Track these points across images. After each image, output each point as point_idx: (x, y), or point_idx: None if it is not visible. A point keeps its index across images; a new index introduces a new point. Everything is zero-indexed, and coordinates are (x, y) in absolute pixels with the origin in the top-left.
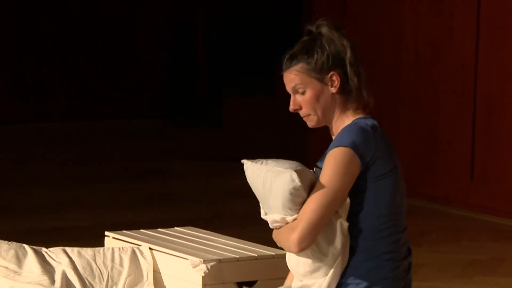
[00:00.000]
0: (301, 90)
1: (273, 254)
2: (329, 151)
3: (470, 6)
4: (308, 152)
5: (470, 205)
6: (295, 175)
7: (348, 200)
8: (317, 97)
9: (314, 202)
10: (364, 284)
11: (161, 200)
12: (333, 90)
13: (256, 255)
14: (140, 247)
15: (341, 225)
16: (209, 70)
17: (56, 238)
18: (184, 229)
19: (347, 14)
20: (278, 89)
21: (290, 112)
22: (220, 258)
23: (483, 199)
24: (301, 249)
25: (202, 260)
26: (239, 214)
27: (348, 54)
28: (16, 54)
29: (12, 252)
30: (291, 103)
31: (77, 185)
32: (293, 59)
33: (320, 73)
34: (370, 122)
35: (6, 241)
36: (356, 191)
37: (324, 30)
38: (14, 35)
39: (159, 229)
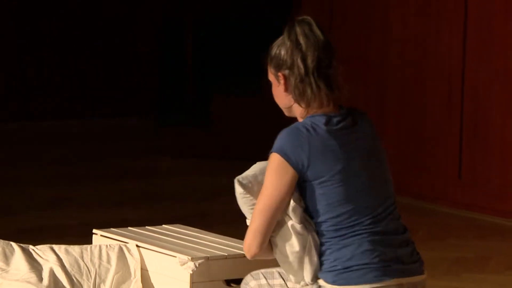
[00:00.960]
0: (271, 82)
1: None
2: None
3: (458, 5)
4: None
5: (457, 203)
6: (236, 183)
7: (293, 203)
8: (274, 91)
9: (255, 209)
10: (336, 268)
11: (149, 198)
12: (282, 89)
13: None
14: (127, 245)
15: (293, 227)
16: (197, 69)
17: (44, 236)
18: (172, 226)
19: (335, 13)
20: (265, 88)
21: (278, 112)
22: (208, 255)
23: (471, 197)
24: (252, 256)
25: (190, 257)
26: (227, 212)
27: (306, 54)
28: (11, 53)
29: None
30: None
31: (65, 184)
32: (269, 50)
33: (275, 69)
34: (313, 121)
35: None
36: (306, 194)
37: (295, 28)
38: (12, 34)
39: (147, 227)
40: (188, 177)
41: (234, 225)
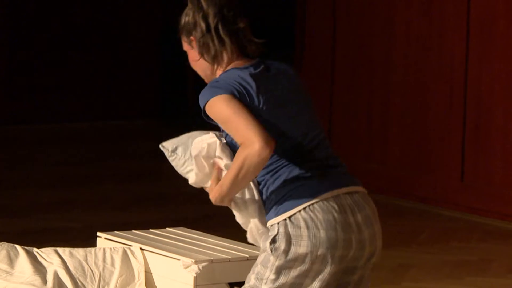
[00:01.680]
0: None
1: None
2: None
3: (460, 7)
4: None
5: (460, 206)
6: (161, 148)
7: (219, 143)
8: (191, 60)
9: (238, 128)
10: (275, 201)
11: (152, 201)
12: (196, 53)
13: (247, 255)
14: (131, 248)
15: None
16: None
17: (48, 238)
18: (176, 229)
19: (338, 14)
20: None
21: None
22: (212, 258)
23: (473, 200)
24: (270, 149)
25: (193, 260)
26: (230, 215)
27: (200, 17)
28: (15, 56)
29: (3, 252)
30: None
31: (69, 186)
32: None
33: (186, 36)
34: (225, 76)
35: None
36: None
37: None
38: (17, 37)
39: (150, 230)
40: None
41: (238, 228)
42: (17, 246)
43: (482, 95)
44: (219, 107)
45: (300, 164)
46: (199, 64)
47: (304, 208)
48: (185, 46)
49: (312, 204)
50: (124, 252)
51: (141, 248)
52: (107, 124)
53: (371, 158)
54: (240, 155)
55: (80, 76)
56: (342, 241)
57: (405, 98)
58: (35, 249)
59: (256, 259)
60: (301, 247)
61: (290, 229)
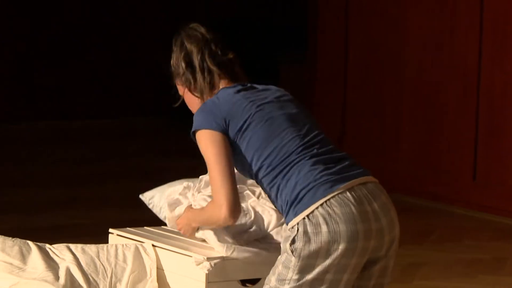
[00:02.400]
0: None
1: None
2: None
3: (473, 5)
4: None
5: (472, 204)
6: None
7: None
8: (188, 100)
9: (213, 182)
10: (289, 202)
11: None
12: (189, 94)
13: None
14: (143, 244)
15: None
16: None
17: (60, 235)
18: None
19: (351, 14)
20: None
21: None
22: (224, 255)
23: (486, 198)
24: (234, 218)
25: (205, 257)
26: None
27: (182, 59)
28: (26, 55)
29: (16, 248)
30: None
31: (81, 183)
32: None
33: (179, 80)
34: (215, 97)
35: (10, 238)
36: (235, 155)
37: (180, 36)
38: (27, 35)
39: (162, 227)
40: None
41: None
42: (30, 242)
43: (495, 94)
44: (204, 143)
45: (307, 161)
46: (196, 103)
47: (321, 205)
48: (180, 90)
49: (329, 199)
50: (136, 248)
51: (153, 245)
52: (119, 121)
53: (384, 156)
54: (209, 210)
55: (89, 74)
56: (362, 233)
57: (418, 96)
58: (47, 245)
59: (269, 257)
60: (321, 243)
61: (309, 227)
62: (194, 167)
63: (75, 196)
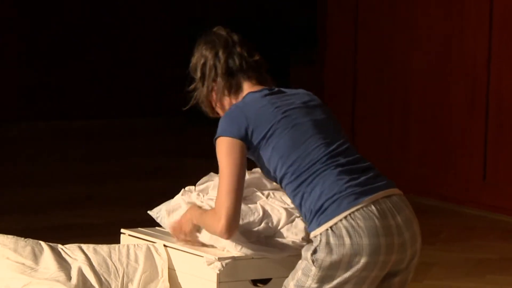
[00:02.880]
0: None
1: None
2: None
3: (483, 6)
4: None
5: (481, 204)
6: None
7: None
8: (214, 101)
9: (220, 193)
10: (314, 211)
11: None
12: (214, 95)
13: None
14: (155, 244)
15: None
16: None
17: (72, 235)
18: None
19: (360, 15)
20: (291, 87)
21: None
22: (235, 255)
23: (495, 198)
24: (231, 233)
25: (217, 257)
26: None
27: (206, 60)
28: (37, 53)
29: (28, 248)
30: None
31: (93, 183)
32: None
33: (205, 82)
34: (241, 100)
35: (23, 238)
36: (261, 161)
37: (201, 41)
38: (39, 33)
39: None
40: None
41: None
42: (42, 243)
43: (505, 94)
44: (221, 151)
45: (333, 171)
46: (218, 107)
47: (345, 217)
48: (203, 94)
49: (353, 212)
50: (148, 248)
51: (164, 245)
52: (131, 121)
53: (393, 156)
54: (209, 217)
55: (101, 73)
56: (384, 247)
57: (427, 96)
58: (59, 246)
59: (280, 257)
60: (343, 256)
61: (332, 238)
62: (209, 166)
63: (88, 195)
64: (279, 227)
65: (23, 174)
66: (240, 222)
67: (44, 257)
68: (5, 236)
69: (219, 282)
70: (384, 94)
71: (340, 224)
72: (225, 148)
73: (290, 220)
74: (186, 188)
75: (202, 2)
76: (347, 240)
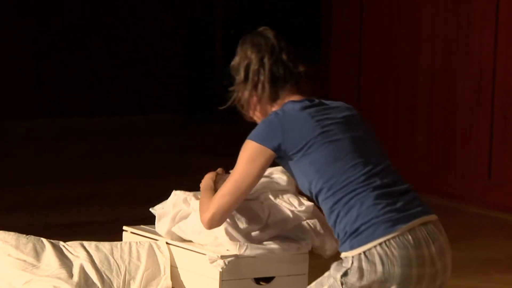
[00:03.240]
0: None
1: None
2: None
3: (489, 4)
4: None
5: (487, 203)
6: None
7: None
8: (254, 106)
9: (223, 189)
10: (348, 233)
11: None
12: (255, 100)
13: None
14: (157, 242)
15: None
16: (227, 67)
17: (74, 232)
18: None
19: (365, 12)
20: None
21: None
22: (238, 254)
23: (501, 197)
24: (210, 227)
25: (219, 255)
26: None
27: (252, 61)
28: (43, 51)
29: (30, 245)
30: None
31: (94, 180)
32: None
33: (247, 85)
34: (281, 108)
35: (24, 235)
36: (294, 172)
37: (245, 43)
38: (46, 31)
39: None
40: None
41: None
42: (44, 240)
43: (510, 92)
44: (245, 155)
45: (370, 194)
46: (260, 109)
47: (380, 244)
48: (245, 96)
49: (388, 239)
50: (150, 246)
51: (167, 242)
52: (135, 118)
53: (398, 154)
54: (204, 200)
55: (105, 71)
56: (416, 277)
57: (432, 94)
58: (61, 243)
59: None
60: (373, 282)
61: (364, 264)
62: (219, 165)
63: (90, 193)
64: (286, 228)
65: (25, 171)
66: (244, 225)
67: (46, 254)
68: (7, 232)
69: (221, 280)
70: (389, 92)
71: (374, 250)
72: (249, 154)
73: (297, 222)
74: (177, 192)
75: (206, 0)
76: (379, 267)
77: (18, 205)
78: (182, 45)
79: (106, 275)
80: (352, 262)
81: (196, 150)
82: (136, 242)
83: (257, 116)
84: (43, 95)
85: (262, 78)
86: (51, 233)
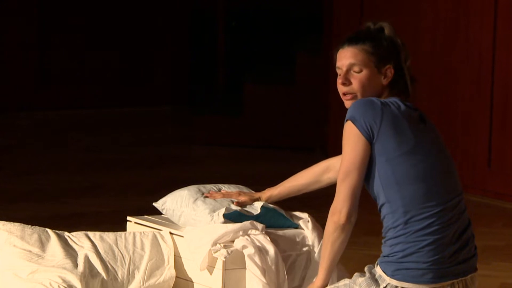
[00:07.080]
0: (358, 68)
1: None
2: None
3: None
4: (328, 140)
5: (487, 191)
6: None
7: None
8: (370, 80)
9: (339, 178)
10: (396, 258)
11: (181, 186)
12: (384, 82)
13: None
14: (161, 232)
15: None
16: (229, 58)
17: (78, 223)
18: None
19: (366, 2)
20: (297, 76)
21: (309, 100)
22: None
23: (500, 185)
24: (343, 225)
25: (223, 244)
26: None
27: (403, 53)
28: (48, 44)
29: (35, 236)
30: (343, 77)
31: (99, 171)
32: (360, 40)
33: (379, 61)
34: (388, 100)
35: (30, 226)
36: (372, 172)
37: (386, 29)
38: (39, 21)
39: None
40: (220, 165)
41: None
42: (49, 230)
43: (510, 81)
44: (346, 139)
45: (433, 237)
46: (372, 87)
47: None
48: (372, 69)
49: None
50: (154, 236)
51: (170, 232)
52: (137, 110)
53: None
54: (328, 228)
55: (108, 62)
56: None
57: (432, 84)
58: (66, 233)
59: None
60: None
61: None
62: (221, 156)
63: (94, 184)
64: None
65: (30, 163)
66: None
67: (51, 244)
68: (12, 223)
69: (225, 270)
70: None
71: None
72: (349, 135)
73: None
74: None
75: None
76: None
77: (23, 196)
78: (184, 37)
79: (111, 265)
80: (386, 286)
81: (198, 140)
82: (140, 232)
83: (351, 97)
84: (47, 87)
85: (401, 72)
86: (56, 224)
